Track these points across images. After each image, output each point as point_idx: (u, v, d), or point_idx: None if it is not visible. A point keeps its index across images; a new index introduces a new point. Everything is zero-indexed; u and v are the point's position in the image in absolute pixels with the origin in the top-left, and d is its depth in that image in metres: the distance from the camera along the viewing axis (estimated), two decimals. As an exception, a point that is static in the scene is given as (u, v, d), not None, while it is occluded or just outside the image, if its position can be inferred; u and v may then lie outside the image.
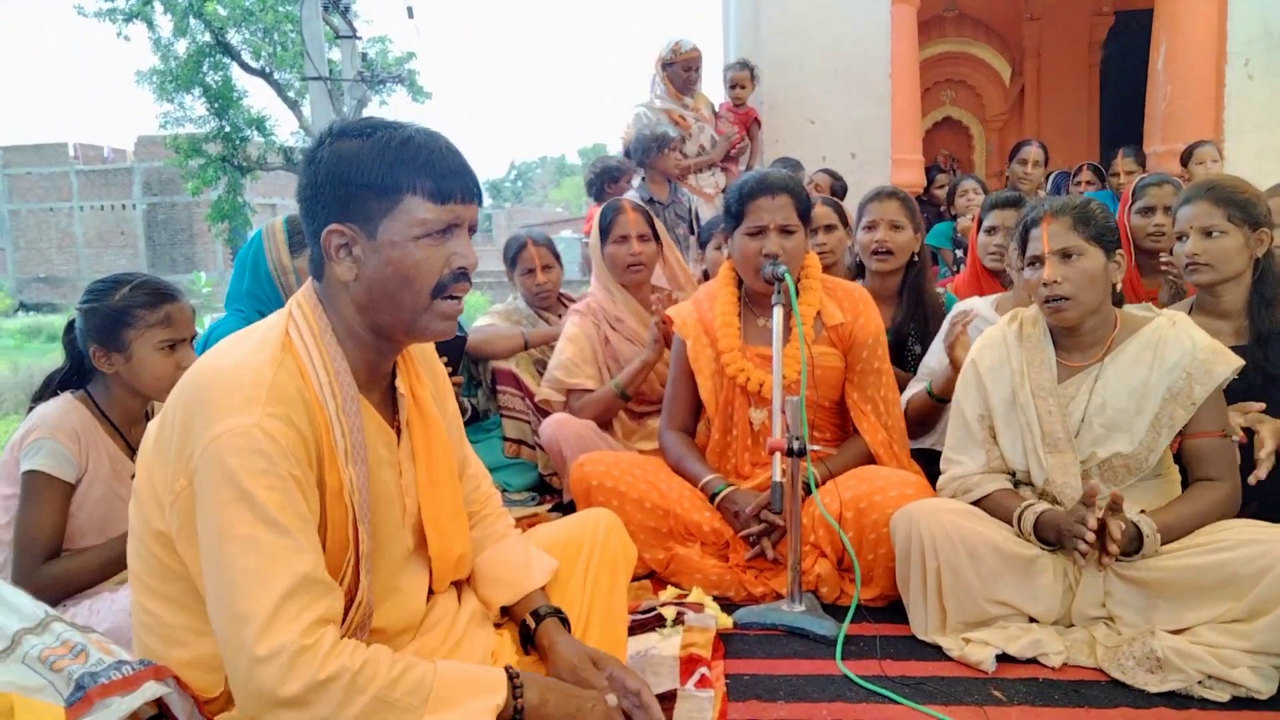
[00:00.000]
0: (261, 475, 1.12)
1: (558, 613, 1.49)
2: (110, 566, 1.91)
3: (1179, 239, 2.45)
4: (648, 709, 1.36)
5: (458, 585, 1.55)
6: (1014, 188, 5.10)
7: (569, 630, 1.49)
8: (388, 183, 1.22)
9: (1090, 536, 1.83)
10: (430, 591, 1.47)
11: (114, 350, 1.97)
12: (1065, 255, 2.05)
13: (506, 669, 1.24)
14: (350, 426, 1.24)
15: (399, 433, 1.38)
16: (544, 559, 1.56)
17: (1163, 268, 3.13)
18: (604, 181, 4.85)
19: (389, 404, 1.40)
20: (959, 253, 5.05)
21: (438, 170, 1.24)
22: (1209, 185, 2.42)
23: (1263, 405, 2.23)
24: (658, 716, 1.36)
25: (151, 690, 1.21)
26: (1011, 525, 2.04)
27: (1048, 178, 5.72)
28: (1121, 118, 8.71)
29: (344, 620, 1.22)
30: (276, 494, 1.12)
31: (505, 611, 1.52)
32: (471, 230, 1.32)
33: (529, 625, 1.47)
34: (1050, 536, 1.97)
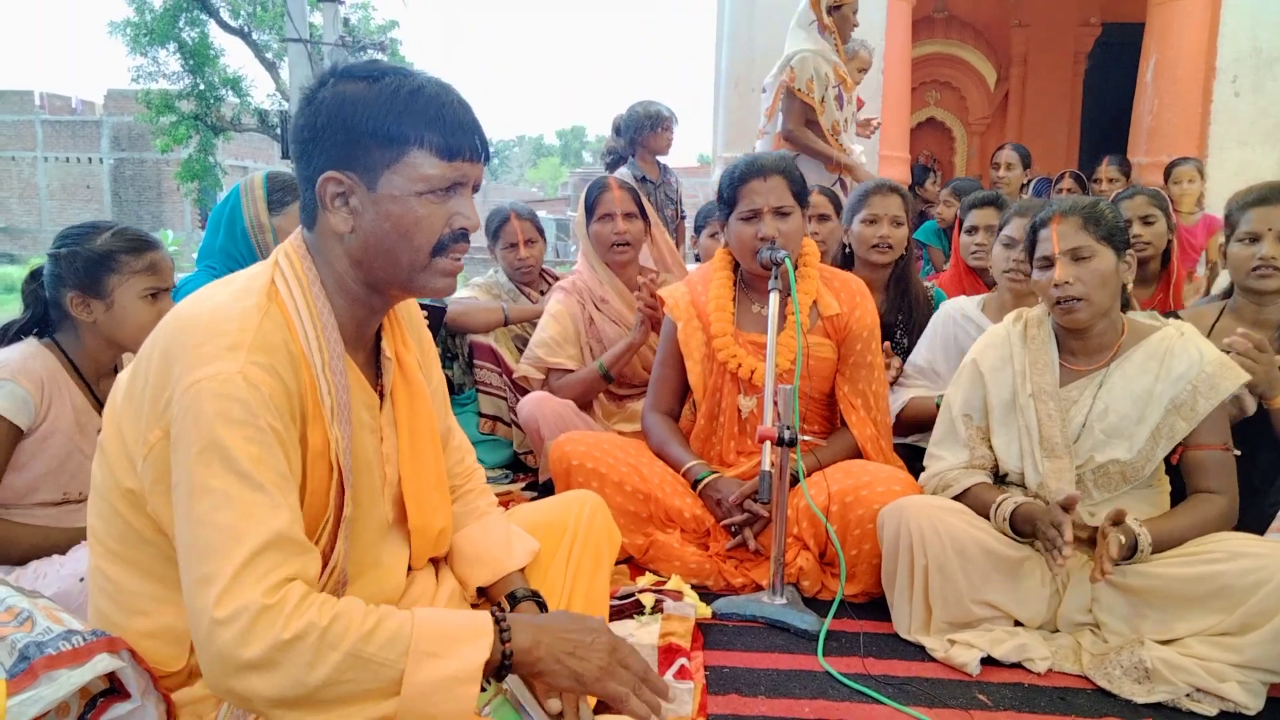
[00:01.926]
0: (240, 426, 1.04)
1: (535, 596, 1.42)
2: (33, 553, 1.80)
3: (1249, 240, 2.33)
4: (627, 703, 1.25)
5: (435, 563, 1.48)
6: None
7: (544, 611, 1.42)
8: (394, 133, 1.14)
9: (1067, 550, 1.78)
10: (410, 568, 1.39)
11: (94, 297, 1.87)
12: (1076, 256, 2.01)
13: (492, 612, 1.14)
14: (336, 384, 1.17)
15: (382, 397, 1.30)
16: (525, 540, 1.49)
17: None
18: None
19: (373, 367, 1.32)
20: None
21: (448, 124, 1.16)
22: None
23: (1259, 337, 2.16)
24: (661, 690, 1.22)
25: (104, 664, 1.12)
26: (989, 518, 2.01)
27: (1030, 183, 5.73)
28: (1103, 128, 8.80)
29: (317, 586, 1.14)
30: (255, 446, 1.04)
31: (482, 593, 1.45)
32: (475, 189, 1.24)
33: (505, 607, 1.40)
34: (1026, 530, 1.93)
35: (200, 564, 1.01)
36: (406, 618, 1.07)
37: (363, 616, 1.04)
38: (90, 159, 32.56)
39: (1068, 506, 1.83)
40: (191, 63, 21.26)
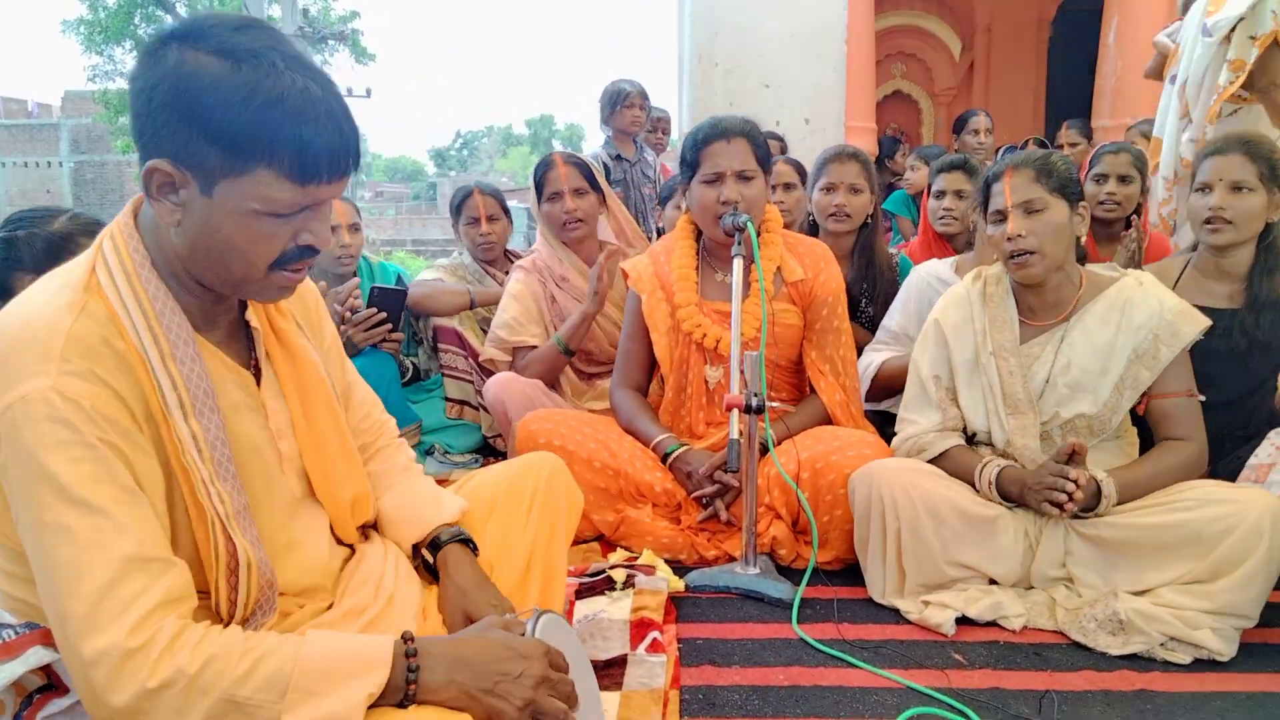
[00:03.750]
0: (63, 448, 0.94)
1: (460, 536, 1.35)
2: None
3: (1201, 191, 2.34)
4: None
5: (382, 538, 1.40)
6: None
7: (475, 555, 1.36)
8: (241, 144, 0.97)
9: (1077, 494, 1.79)
10: (346, 544, 1.32)
11: None
12: (1028, 209, 1.99)
13: (404, 636, 1.03)
14: (185, 374, 1.05)
15: (258, 372, 1.20)
16: (453, 498, 1.43)
17: (1121, 236, 3.12)
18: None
19: (240, 341, 1.19)
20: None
21: (308, 147, 0.99)
22: (1244, 139, 2.32)
23: None
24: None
25: (36, 656, 1.07)
26: (970, 482, 2.00)
27: (996, 151, 5.73)
28: (1068, 96, 8.80)
29: (238, 589, 1.07)
30: (86, 465, 0.94)
31: (417, 554, 1.38)
32: (336, 196, 1.11)
33: (428, 558, 1.35)
34: (1013, 492, 1.92)
35: (52, 604, 0.93)
36: (290, 654, 0.96)
37: (240, 657, 0.94)
38: (50, 163, 31.95)
39: (1063, 458, 1.84)
40: (149, 60, 20.88)
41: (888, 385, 2.74)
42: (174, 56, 0.98)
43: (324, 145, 1.01)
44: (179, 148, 0.99)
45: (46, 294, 1.03)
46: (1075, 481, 1.82)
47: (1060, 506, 1.83)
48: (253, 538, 1.10)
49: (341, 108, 1.04)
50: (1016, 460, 2.00)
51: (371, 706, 0.96)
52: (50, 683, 1.13)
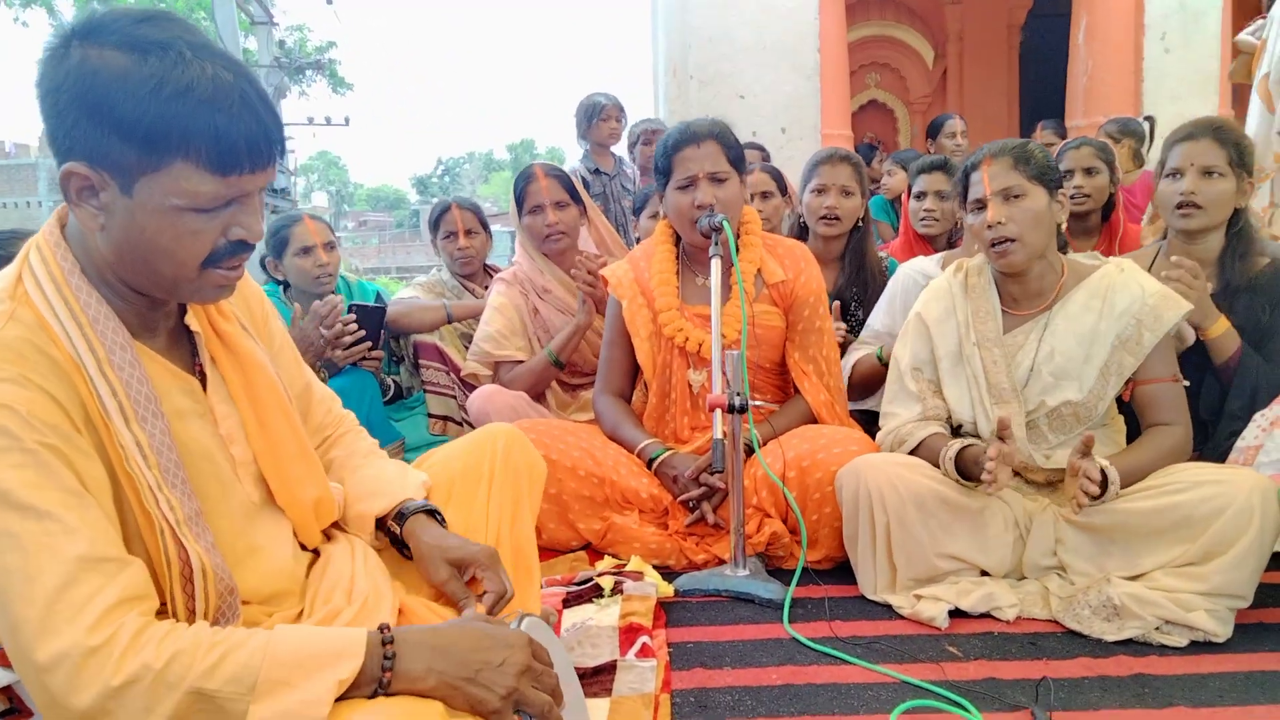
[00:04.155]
0: (3, 454, 0.91)
1: (426, 508, 1.33)
2: None
3: (1171, 176, 2.34)
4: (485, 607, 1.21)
5: (342, 533, 1.36)
6: (943, 162, 5.11)
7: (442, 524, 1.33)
8: (154, 138, 0.94)
9: (989, 464, 1.76)
10: (311, 549, 1.29)
11: None
12: (1007, 196, 1.99)
13: (381, 628, 1.00)
14: (125, 380, 1.02)
15: (204, 377, 1.17)
16: (416, 473, 1.40)
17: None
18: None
19: (183, 346, 1.16)
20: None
21: (225, 133, 0.96)
22: (1214, 124, 2.34)
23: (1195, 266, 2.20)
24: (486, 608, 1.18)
25: (1, 677, 1.04)
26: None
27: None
28: (1040, 99, 8.89)
29: (194, 597, 1.03)
30: (28, 471, 0.91)
31: (380, 529, 1.35)
32: (263, 189, 1.08)
33: (395, 531, 1.32)
34: (973, 472, 1.90)
35: (3, 613, 0.90)
36: (259, 646, 0.93)
37: (207, 649, 0.91)
38: (29, 203, 31.80)
39: (1000, 433, 1.81)
40: (125, 96, 20.88)
41: (864, 383, 2.72)
42: (77, 55, 0.95)
43: (242, 133, 0.98)
44: (92, 148, 0.96)
45: None
46: (988, 452, 1.78)
47: (986, 483, 1.79)
48: (207, 544, 1.06)
49: (258, 93, 1.01)
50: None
51: (344, 698, 0.93)
52: (13, 706, 1.10)
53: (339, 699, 0.92)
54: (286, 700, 0.90)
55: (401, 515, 1.32)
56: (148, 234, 1.00)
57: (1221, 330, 2.22)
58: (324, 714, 0.90)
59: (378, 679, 0.96)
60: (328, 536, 1.33)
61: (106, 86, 0.94)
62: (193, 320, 1.16)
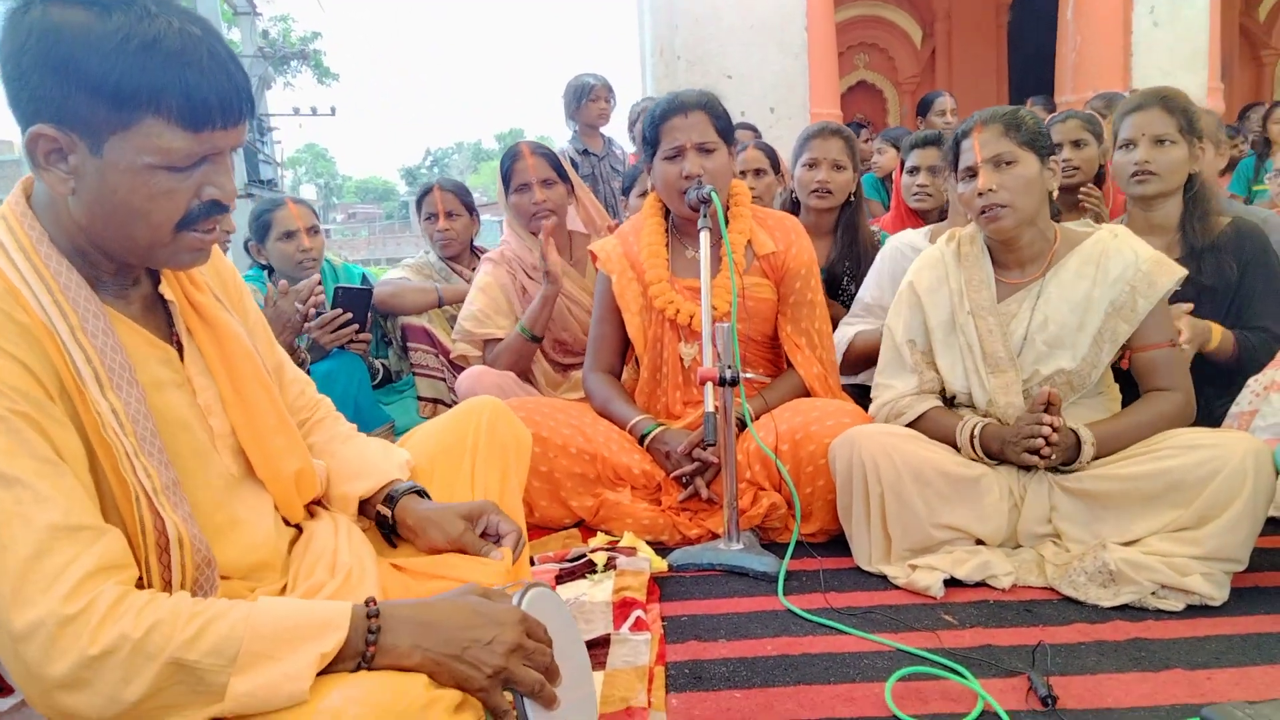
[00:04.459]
0: None
1: (414, 488, 1.32)
2: None
3: (1125, 147, 2.37)
4: (507, 548, 1.22)
5: (325, 510, 1.34)
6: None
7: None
8: (123, 94, 0.92)
9: (1053, 436, 1.77)
10: (293, 524, 1.27)
11: None
12: (998, 163, 1.97)
13: (368, 602, 0.97)
14: (99, 347, 0.99)
15: (180, 348, 1.15)
16: (400, 452, 1.39)
17: (1081, 196, 3.12)
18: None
19: (159, 316, 1.14)
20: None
21: (195, 87, 0.94)
22: (1161, 94, 2.36)
23: (1191, 306, 2.23)
24: (511, 551, 1.21)
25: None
26: (950, 443, 1.97)
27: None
28: (1028, 77, 8.87)
29: (170, 567, 1.01)
30: (0, 439, 0.89)
31: (363, 512, 1.34)
32: (235, 149, 1.05)
33: (385, 515, 1.30)
34: (995, 448, 1.89)
35: None
36: (241, 617, 0.91)
37: (187, 620, 0.89)
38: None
39: (1041, 406, 1.82)
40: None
41: (861, 359, 2.71)
42: (38, 12, 0.93)
43: (212, 87, 0.96)
44: (59, 107, 0.93)
45: None
46: (1051, 426, 1.79)
47: (1039, 454, 1.80)
48: (184, 514, 1.03)
49: (225, 51, 0.99)
50: (999, 419, 1.97)
51: (326, 671, 0.90)
52: (-6, 684, 1.08)
53: (321, 672, 0.90)
54: (268, 673, 0.88)
55: (390, 498, 1.30)
56: (120, 195, 0.97)
57: (1219, 338, 2.22)
58: (305, 688, 0.88)
59: (361, 653, 0.94)
60: (311, 514, 1.31)
61: (71, 43, 0.91)
62: (167, 290, 1.13)
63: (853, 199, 3.02)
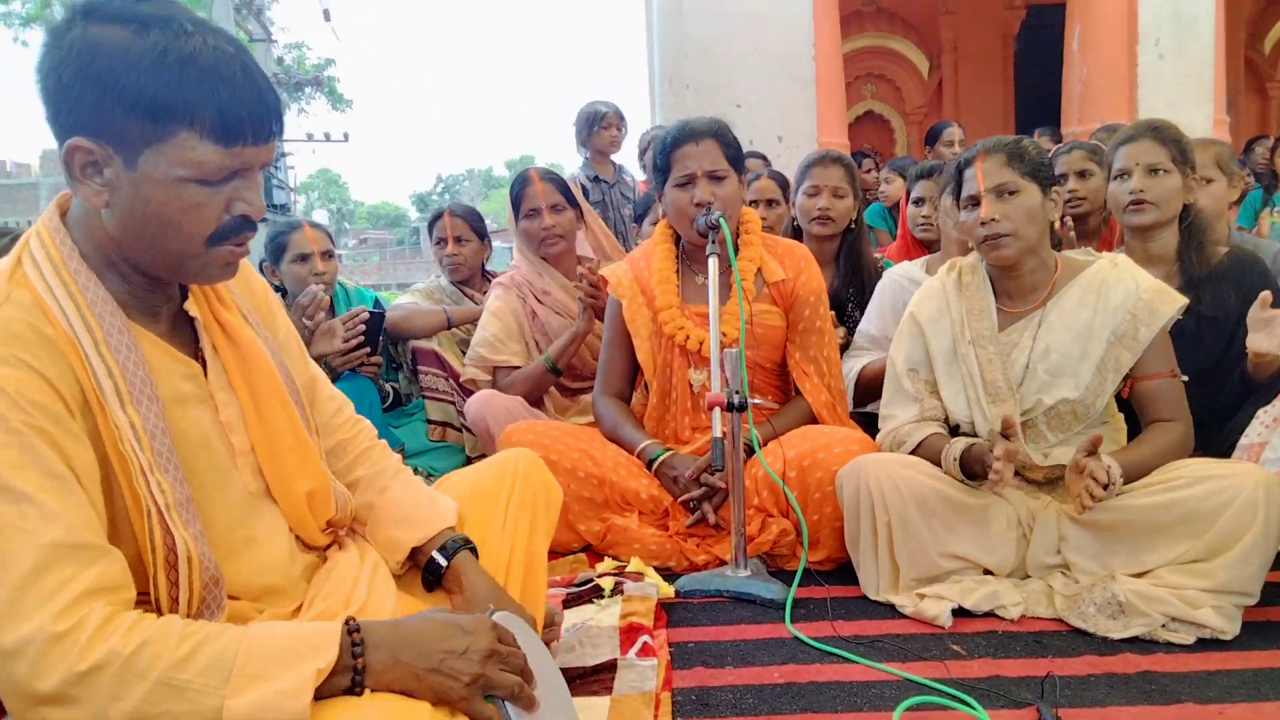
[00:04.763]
0: None
1: (467, 544, 1.33)
2: None
3: (1119, 178, 2.39)
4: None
5: (353, 540, 1.35)
6: (941, 169, 5.12)
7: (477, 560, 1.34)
8: (158, 108, 0.95)
9: (997, 463, 1.75)
10: (317, 550, 1.27)
11: None
12: (1001, 192, 1.99)
13: (347, 622, 0.99)
14: (121, 362, 1.01)
15: (205, 363, 1.16)
16: (447, 500, 1.40)
17: (1064, 223, 3.12)
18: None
19: (185, 333, 1.16)
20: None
21: (228, 103, 0.98)
22: (1152, 125, 2.39)
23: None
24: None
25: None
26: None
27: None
28: (1035, 108, 8.93)
29: (178, 584, 1.01)
30: (11, 452, 0.90)
31: (413, 556, 1.34)
32: (265, 167, 1.08)
33: (438, 564, 1.31)
34: (977, 470, 1.88)
35: None
36: (234, 639, 0.92)
37: (178, 640, 0.89)
38: (30, 221, 31.73)
39: (1005, 432, 1.80)
40: (124, 113, 20.91)
41: (869, 388, 2.71)
42: (79, 30, 0.96)
43: (244, 103, 0.99)
44: (96, 121, 0.96)
45: None
46: (1003, 452, 1.76)
47: (994, 483, 1.78)
48: (196, 531, 1.04)
49: (258, 69, 1.03)
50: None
51: (321, 692, 0.91)
52: None
53: (316, 696, 0.91)
54: (264, 691, 0.89)
55: (445, 549, 1.31)
56: (153, 207, 1.00)
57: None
58: (305, 704, 0.89)
59: (351, 666, 0.95)
60: (340, 544, 1.32)
61: (109, 58, 0.95)
62: (192, 306, 1.15)
63: (854, 226, 3.04)
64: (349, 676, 0.95)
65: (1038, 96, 8.71)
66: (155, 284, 1.10)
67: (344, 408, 1.44)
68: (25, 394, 0.92)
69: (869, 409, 2.81)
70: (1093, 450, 1.78)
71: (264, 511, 1.19)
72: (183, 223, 1.01)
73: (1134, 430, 2.07)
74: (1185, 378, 2.02)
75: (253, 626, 0.95)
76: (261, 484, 1.19)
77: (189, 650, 0.89)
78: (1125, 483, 1.84)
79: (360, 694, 0.96)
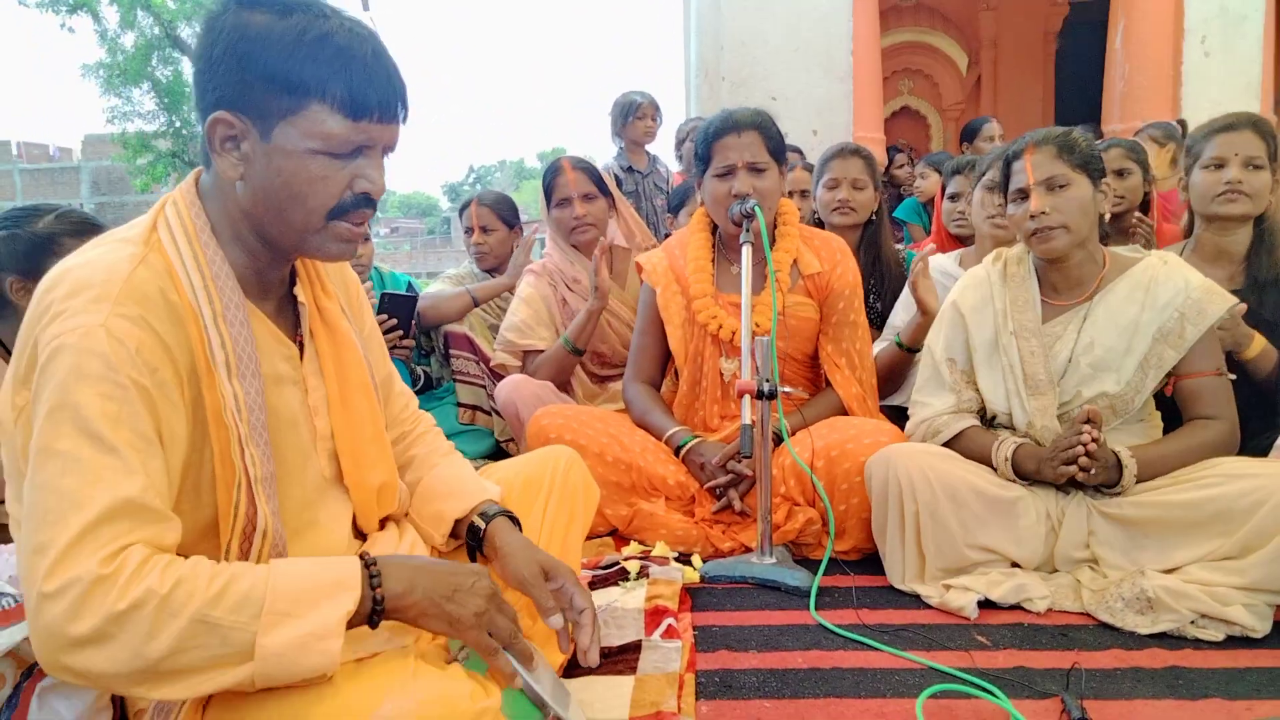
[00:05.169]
0: (96, 382, 0.94)
1: (506, 513, 1.36)
2: None
3: (1211, 167, 2.30)
4: (582, 629, 1.24)
5: (396, 523, 1.39)
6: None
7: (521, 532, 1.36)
8: (294, 81, 1.03)
9: (1091, 448, 1.77)
10: (361, 533, 1.31)
11: (34, 281, 1.80)
12: (1051, 185, 1.96)
13: (362, 556, 1.05)
14: (234, 336, 1.07)
15: (302, 347, 1.21)
16: (491, 481, 1.44)
17: (1135, 222, 3.09)
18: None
19: (289, 315, 1.22)
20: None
21: (357, 79, 1.05)
22: (1252, 117, 2.32)
23: (1244, 306, 2.15)
24: (588, 639, 1.23)
25: (23, 630, 1.06)
26: (987, 462, 1.96)
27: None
28: (1075, 106, 8.80)
29: (249, 555, 1.06)
30: (112, 404, 0.94)
31: (453, 534, 1.38)
32: (388, 150, 1.14)
33: (478, 527, 1.34)
34: (1030, 468, 1.88)
35: (36, 532, 0.91)
36: (261, 576, 0.96)
37: (209, 579, 0.94)
38: (71, 204, 32.45)
39: (1092, 419, 1.81)
40: (166, 101, 21.18)
41: (883, 375, 2.69)
42: (230, 16, 1.05)
43: (372, 80, 1.06)
44: (237, 95, 1.04)
45: (107, 246, 1.06)
46: (1091, 437, 1.78)
47: (1078, 465, 1.79)
48: (274, 507, 1.09)
49: (389, 55, 1.10)
50: (1038, 441, 1.96)
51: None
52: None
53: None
54: (295, 631, 0.94)
55: (485, 515, 1.35)
56: (283, 178, 1.06)
57: (1259, 349, 2.19)
58: (337, 647, 0.95)
59: (371, 596, 1.02)
60: (381, 526, 1.36)
61: (254, 39, 1.03)
62: (301, 291, 1.21)
63: (875, 217, 3.04)
64: (369, 605, 1.02)
65: (1078, 94, 8.59)
66: (275, 260, 1.16)
67: (410, 403, 1.49)
68: (143, 354, 0.98)
69: (897, 401, 2.80)
70: (1088, 419, 1.81)
71: (332, 497, 1.24)
72: (308, 194, 1.07)
73: (1172, 430, 2.04)
74: (1234, 376, 2.00)
75: (275, 564, 1.00)
76: (335, 470, 1.24)
77: (220, 588, 0.93)
78: (1150, 475, 1.84)
79: (377, 624, 1.03)
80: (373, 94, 1.06)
